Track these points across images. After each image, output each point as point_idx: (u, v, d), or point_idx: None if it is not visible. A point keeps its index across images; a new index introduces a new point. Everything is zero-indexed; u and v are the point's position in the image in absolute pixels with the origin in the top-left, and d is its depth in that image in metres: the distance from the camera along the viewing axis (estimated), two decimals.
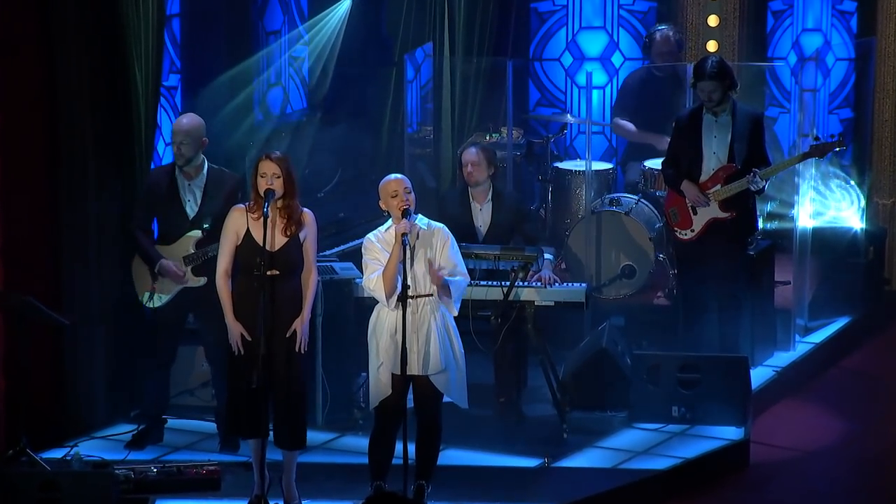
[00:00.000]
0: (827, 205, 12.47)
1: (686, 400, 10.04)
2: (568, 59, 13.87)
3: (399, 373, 8.43)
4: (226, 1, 11.62)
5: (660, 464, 9.43)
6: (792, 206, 11.53)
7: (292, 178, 8.57)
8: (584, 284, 10.07)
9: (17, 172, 9.37)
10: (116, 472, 8.87)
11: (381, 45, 12.77)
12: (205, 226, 9.45)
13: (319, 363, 9.88)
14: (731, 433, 9.85)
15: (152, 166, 10.05)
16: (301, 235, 8.60)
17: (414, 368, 8.46)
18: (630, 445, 9.73)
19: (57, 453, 9.37)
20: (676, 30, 12.66)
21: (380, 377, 8.56)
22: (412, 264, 8.46)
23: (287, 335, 8.56)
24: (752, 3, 13.28)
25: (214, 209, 9.41)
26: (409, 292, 8.36)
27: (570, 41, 13.86)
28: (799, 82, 11.71)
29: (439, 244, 8.58)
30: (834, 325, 11.97)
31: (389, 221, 8.59)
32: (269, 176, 8.50)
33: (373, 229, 8.69)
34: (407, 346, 8.34)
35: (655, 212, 11.70)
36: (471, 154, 10.14)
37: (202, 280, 9.45)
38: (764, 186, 10.32)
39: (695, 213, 10.43)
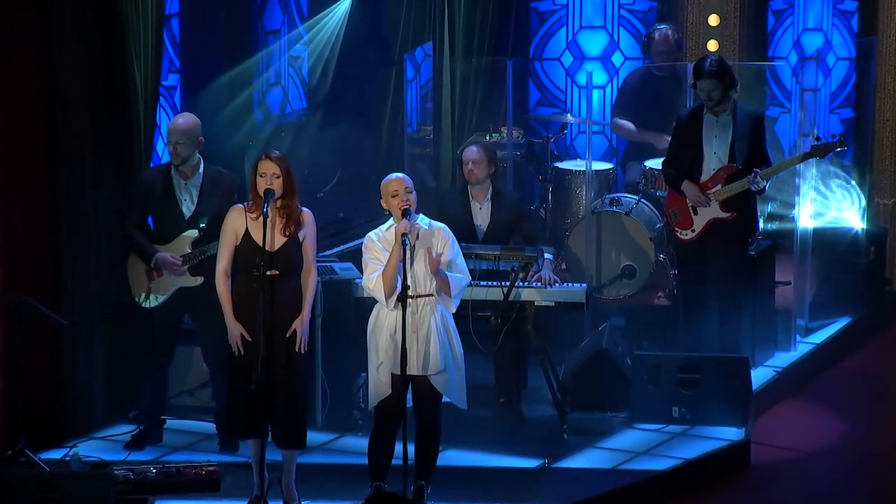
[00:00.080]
0: (828, 205, 12.46)
1: (686, 400, 10.03)
2: (568, 59, 13.86)
3: (399, 373, 8.42)
4: (225, 0, 11.61)
5: (660, 464, 9.42)
6: (792, 206, 11.52)
7: (292, 177, 8.55)
8: (584, 285, 10.05)
9: (15, 172, 9.36)
10: (115, 472, 8.85)
11: (380, 45, 12.76)
12: (201, 225, 9.44)
13: (319, 363, 9.86)
14: (732, 434, 9.83)
15: (151, 166, 10.03)
16: (300, 235, 8.59)
17: (413, 368, 8.44)
18: (630, 446, 9.72)
19: (56, 454, 9.36)
20: (675, 29, 12.64)
21: (379, 377, 8.55)
22: (412, 264, 8.44)
23: (287, 335, 8.54)
24: (753, 3, 13.27)
25: (211, 209, 9.39)
26: (409, 292, 8.35)
27: (570, 41, 13.85)
28: (800, 82, 11.70)
29: (440, 244, 8.56)
30: (835, 325, 11.96)
31: (391, 220, 8.57)
32: (269, 176, 8.49)
33: (372, 229, 8.68)
34: (406, 346, 8.32)
35: (656, 212, 11.69)
36: (472, 152, 10.14)
37: (199, 279, 9.44)
38: (765, 186, 10.31)
39: (695, 214, 10.42)
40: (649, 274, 11.62)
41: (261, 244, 8.46)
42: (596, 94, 13.62)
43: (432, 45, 12.16)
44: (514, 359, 10.00)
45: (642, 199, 11.78)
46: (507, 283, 9.67)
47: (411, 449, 8.45)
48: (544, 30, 13.86)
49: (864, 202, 12.66)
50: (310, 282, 8.63)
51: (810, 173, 11.75)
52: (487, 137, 12.44)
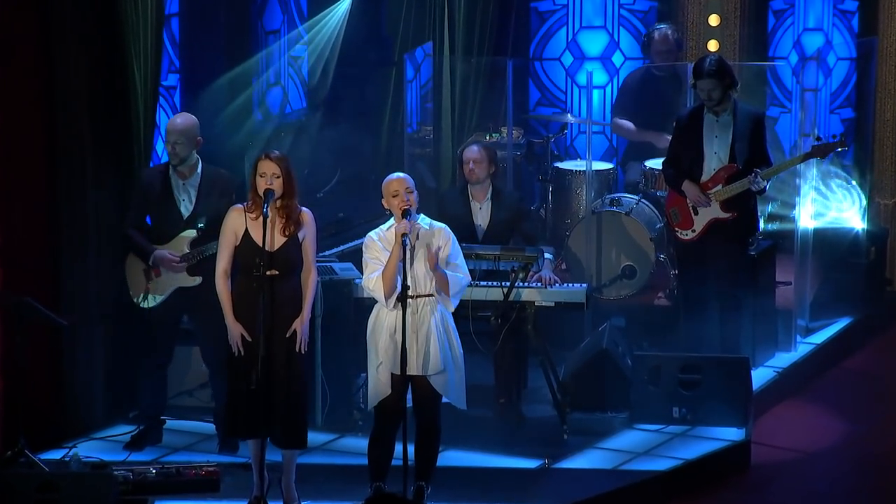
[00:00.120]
0: (828, 205, 12.45)
1: (687, 401, 10.02)
2: (568, 59, 13.85)
3: (398, 373, 8.41)
4: (225, 1, 11.60)
5: (660, 465, 9.41)
6: (793, 206, 11.51)
7: (292, 177, 8.55)
8: (584, 285, 10.04)
9: (15, 172, 9.35)
10: (115, 473, 8.84)
11: (380, 45, 12.75)
12: (199, 225, 9.43)
13: (319, 364, 9.85)
14: (732, 434, 9.82)
15: (151, 166, 10.02)
16: (300, 235, 8.58)
17: (413, 369, 8.43)
18: (631, 446, 9.71)
19: (55, 454, 9.35)
20: (675, 29, 12.64)
21: (379, 377, 8.54)
22: (412, 264, 8.43)
23: (287, 335, 8.53)
24: (753, 3, 13.26)
25: (209, 208, 9.39)
26: (409, 292, 8.34)
27: (570, 41, 13.84)
28: (800, 82, 11.70)
29: (441, 244, 8.55)
30: (835, 325, 11.95)
31: (392, 220, 8.57)
32: (269, 176, 8.48)
33: (372, 229, 8.67)
34: (406, 346, 8.31)
35: (656, 212, 11.68)
36: (473, 151, 10.15)
37: (197, 279, 9.43)
38: (765, 187, 10.30)
39: (696, 214, 10.41)
40: (649, 274, 11.61)
41: (260, 244, 8.45)
42: (596, 94, 13.61)
43: (432, 45, 12.15)
44: (514, 359, 9.99)
45: (642, 199, 11.77)
46: (508, 284, 9.66)
47: (411, 449, 8.44)
48: (544, 30, 13.85)
49: (864, 202, 12.65)
50: (310, 282, 8.62)
51: (811, 173, 11.75)
52: (487, 137, 12.43)
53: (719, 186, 10.33)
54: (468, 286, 8.78)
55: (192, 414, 10.02)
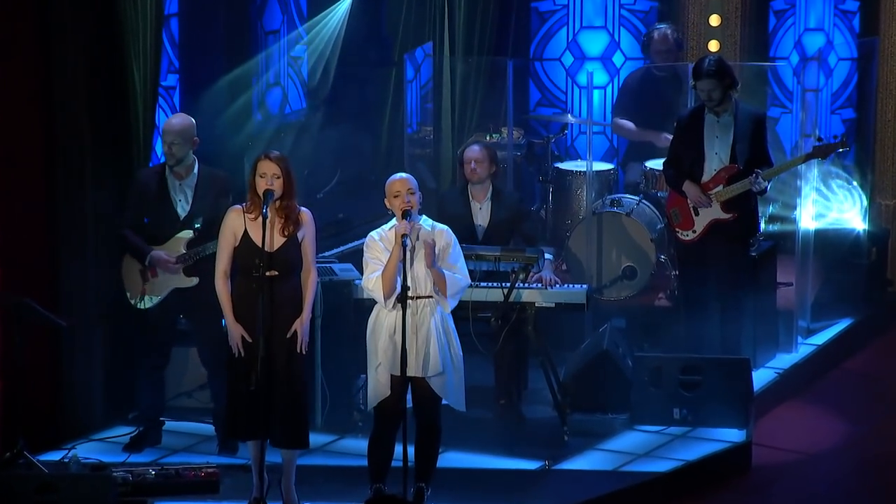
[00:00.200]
0: (829, 206, 12.43)
1: (687, 402, 10.00)
2: (569, 59, 13.83)
3: (398, 374, 8.39)
4: (224, 1, 11.58)
5: (661, 466, 9.40)
6: (794, 207, 11.49)
7: (291, 178, 8.53)
8: (584, 286, 10.03)
9: (14, 172, 9.34)
10: (114, 474, 8.84)
11: (380, 45, 12.74)
12: (196, 226, 9.41)
13: (318, 365, 9.83)
14: (733, 435, 9.81)
15: (150, 166, 10.01)
16: (299, 235, 8.56)
17: (412, 370, 8.41)
18: (631, 448, 9.69)
19: (54, 455, 9.33)
20: (675, 28, 12.62)
21: (378, 378, 8.52)
22: (412, 265, 8.41)
23: (287, 336, 8.51)
24: (754, 3, 13.25)
25: (205, 209, 9.38)
26: (409, 293, 8.32)
27: (570, 41, 13.82)
28: (801, 82, 11.68)
29: (442, 246, 8.53)
30: (836, 326, 11.93)
31: (394, 220, 8.55)
32: (269, 176, 8.46)
33: (372, 230, 8.65)
34: (406, 347, 8.29)
35: (657, 213, 11.67)
36: (474, 151, 10.15)
37: (194, 280, 9.42)
38: (766, 187, 10.28)
39: (696, 214, 10.39)
40: (650, 275, 11.60)
41: (260, 245, 8.43)
42: (596, 94, 13.60)
43: (432, 45, 12.14)
44: (515, 360, 9.98)
45: (643, 200, 11.75)
46: (508, 285, 9.64)
47: (411, 450, 8.42)
48: (545, 30, 13.83)
49: (865, 203, 12.63)
50: (310, 282, 8.61)
51: (812, 174, 11.73)
52: (488, 138, 12.42)
53: (720, 187, 10.31)
54: (468, 287, 8.75)
55: (192, 415, 10.00)
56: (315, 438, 9.23)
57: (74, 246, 9.61)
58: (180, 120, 9.48)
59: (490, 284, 9.68)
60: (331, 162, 12.06)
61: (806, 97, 11.48)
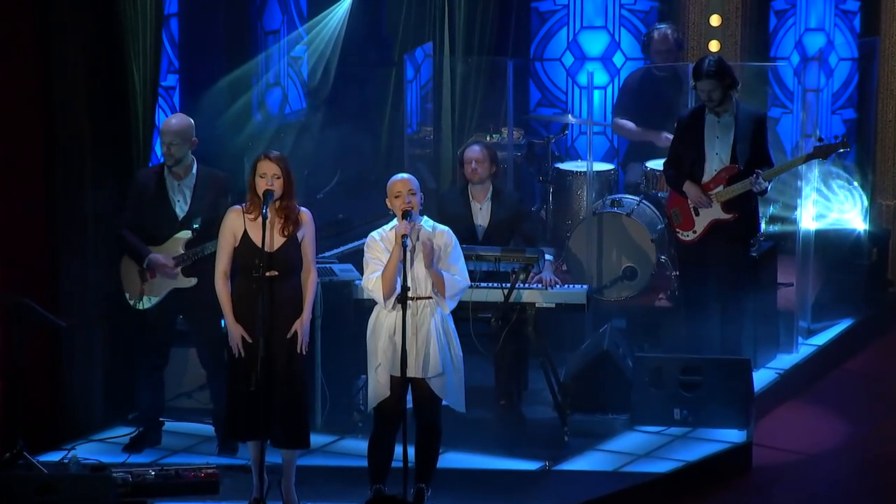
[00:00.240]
0: (830, 206, 12.42)
1: (688, 402, 9.99)
2: (569, 59, 13.82)
3: (398, 375, 8.38)
4: (224, 1, 11.57)
5: (662, 467, 9.39)
6: (795, 208, 11.49)
7: (291, 178, 8.53)
8: (585, 286, 10.02)
9: (13, 172, 9.34)
10: (114, 475, 8.83)
11: (380, 45, 12.73)
12: (194, 226, 9.40)
13: (318, 365, 9.82)
14: (734, 436, 9.80)
15: (150, 166, 10.00)
16: (299, 235, 8.55)
17: (412, 371, 8.40)
18: (632, 448, 9.68)
19: (54, 456, 9.32)
20: (675, 28, 12.61)
21: (378, 379, 8.51)
22: (412, 265, 8.40)
23: (287, 336, 8.50)
24: (755, 3, 13.24)
25: (204, 209, 9.37)
26: (409, 294, 8.31)
27: (571, 41, 13.81)
28: (802, 82, 11.68)
29: (442, 247, 8.52)
30: (837, 327, 11.92)
31: (395, 220, 8.54)
32: (270, 176, 8.45)
33: (372, 230, 8.64)
34: (406, 347, 8.28)
35: (657, 213, 11.66)
36: (475, 151, 10.14)
37: (192, 281, 9.41)
38: (767, 188, 10.27)
39: (697, 215, 10.38)
40: (650, 275, 11.59)
41: (259, 245, 8.42)
42: (597, 94, 13.58)
43: (432, 45, 12.13)
44: (515, 360, 9.97)
45: (643, 200, 11.74)
46: (508, 285, 9.63)
47: (411, 451, 8.41)
48: (545, 30, 13.82)
49: (866, 203, 12.62)
50: (309, 282, 8.60)
51: (812, 175, 11.72)
52: (488, 138, 12.41)
53: (720, 187, 10.30)
54: (468, 288, 8.74)
55: (192, 416, 9.99)
56: (315, 439, 9.22)
57: (74, 246, 9.60)
58: (178, 120, 9.47)
59: (490, 285, 9.67)
60: (331, 162, 12.05)
61: (807, 97, 11.48)
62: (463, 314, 9.06)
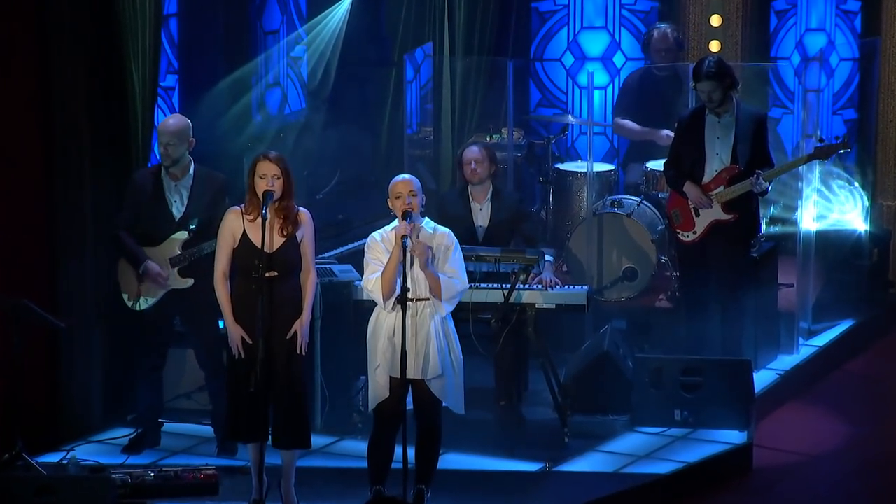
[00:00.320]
0: (830, 207, 12.41)
1: (688, 403, 9.98)
2: (569, 59, 13.82)
3: (397, 376, 8.36)
4: (224, 1, 11.56)
5: (662, 468, 9.38)
6: (795, 209, 11.47)
7: (290, 178, 8.52)
8: (585, 287, 10.00)
9: (13, 172, 9.33)
10: (113, 476, 8.82)
11: (380, 45, 12.72)
12: (191, 227, 9.39)
13: (318, 366, 9.81)
14: (734, 437, 9.79)
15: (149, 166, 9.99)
16: (298, 235, 8.53)
17: (412, 372, 8.38)
18: (632, 449, 9.67)
19: (53, 457, 9.31)
20: (675, 28, 12.60)
21: (377, 380, 8.50)
22: (412, 266, 8.39)
23: (287, 337, 8.48)
24: (756, 3, 13.23)
25: (201, 210, 9.36)
26: (409, 295, 8.29)
27: (571, 41, 13.81)
28: (802, 83, 11.68)
29: (442, 248, 8.51)
30: (838, 327, 11.91)
31: (396, 221, 8.52)
32: (269, 177, 8.44)
33: (371, 231, 8.63)
34: (406, 349, 8.27)
35: (657, 213, 11.65)
36: (474, 151, 10.13)
37: (189, 282, 9.39)
38: (767, 188, 10.26)
39: (697, 215, 10.37)
40: (651, 276, 11.58)
41: (259, 246, 8.40)
42: (597, 94, 13.56)
43: (432, 45, 12.12)
44: (515, 361, 9.95)
45: (644, 201, 11.73)
46: (508, 286, 9.62)
47: (411, 452, 8.40)
48: (545, 30, 13.81)
49: (867, 204, 12.61)
50: (309, 283, 8.58)
51: (813, 175, 11.71)
52: (488, 138, 12.41)
53: (721, 188, 10.29)
54: (468, 289, 8.72)
55: (191, 417, 9.98)
56: (315, 440, 9.19)
57: (73, 246, 9.59)
58: (176, 121, 9.45)
59: (490, 286, 9.66)
60: (331, 163, 12.04)
61: (807, 97, 11.46)
62: (463, 315, 9.04)
